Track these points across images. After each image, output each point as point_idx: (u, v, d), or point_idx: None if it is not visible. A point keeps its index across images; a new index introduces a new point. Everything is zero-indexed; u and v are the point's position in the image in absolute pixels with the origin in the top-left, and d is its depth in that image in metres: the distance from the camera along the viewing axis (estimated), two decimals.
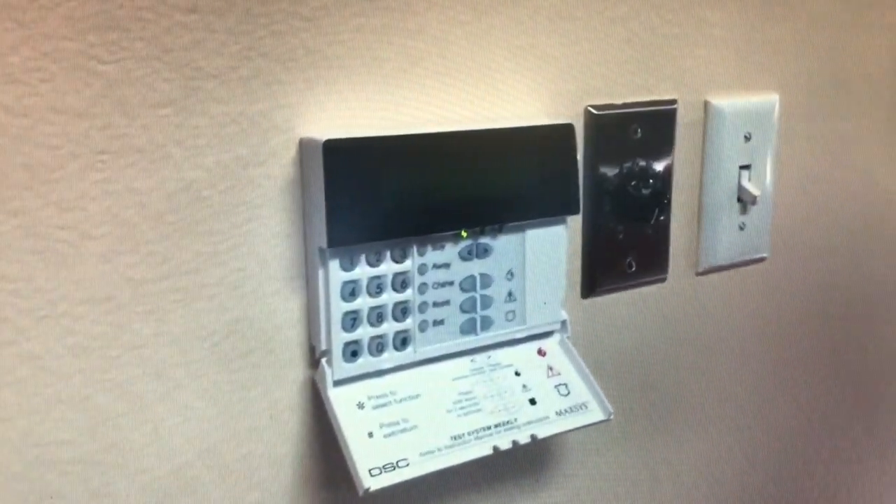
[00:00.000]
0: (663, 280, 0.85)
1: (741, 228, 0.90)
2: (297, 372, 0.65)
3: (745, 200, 0.88)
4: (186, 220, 0.59)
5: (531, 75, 0.73)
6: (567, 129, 0.71)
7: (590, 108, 0.77)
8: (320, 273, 0.62)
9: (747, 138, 0.88)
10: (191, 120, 0.58)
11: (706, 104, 0.85)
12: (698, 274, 0.89)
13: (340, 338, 0.63)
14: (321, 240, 0.61)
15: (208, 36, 0.58)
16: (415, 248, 0.66)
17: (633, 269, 0.82)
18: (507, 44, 0.71)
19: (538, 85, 0.74)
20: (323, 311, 0.63)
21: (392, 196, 0.63)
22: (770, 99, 0.90)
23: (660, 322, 0.87)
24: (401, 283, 0.66)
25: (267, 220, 0.62)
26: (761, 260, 0.94)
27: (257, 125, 0.61)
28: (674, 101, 0.82)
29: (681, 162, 0.84)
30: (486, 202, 0.67)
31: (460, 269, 0.68)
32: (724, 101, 0.85)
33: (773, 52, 0.90)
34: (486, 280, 0.70)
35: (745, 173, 0.88)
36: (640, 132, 0.79)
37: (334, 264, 0.62)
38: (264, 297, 0.63)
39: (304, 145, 0.62)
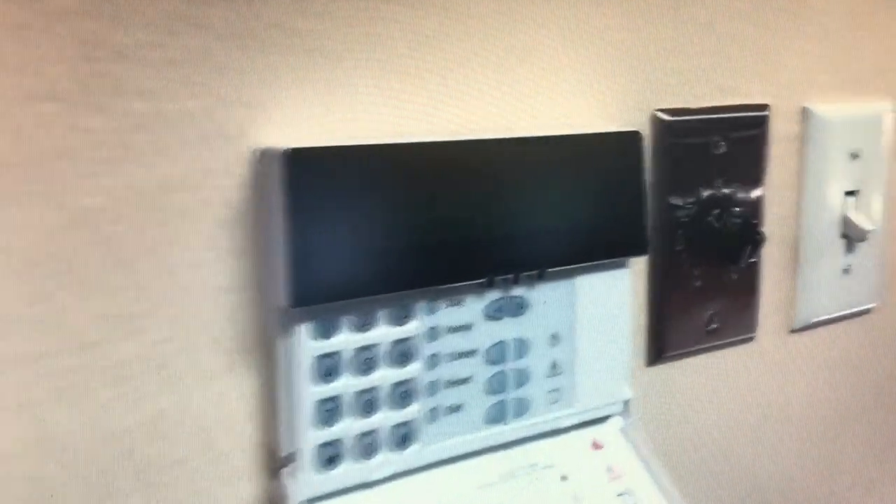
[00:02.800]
0: (750, 339, 0.65)
1: (846, 272, 0.70)
2: (248, 487, 0.45)
3: (851, 237, 0.68)
4: (81, 269, 0.40)
5: (582, 66, 0.54)
6: (632, 140, 0.52)
7: (659, 114, 0.57)
8: (281, 344, 0.43)
9: (854, 157, 0.68)
10: (90, 121, 0.39)
11: (805, 112, 0.65)
12: (793, 331, 0.69)
13: (312, 437, 0.44)
14: (282, 296, 0.42)
15: None
16: (422, 305, 0.46)
17: (714, 325, 0.62)
18: (553, 23, 0.52)
19: (590, 79, 0.54)
20: (286, 400, 0.44)
21: (388, 231, 0.43)
22: (880, 107, 0.70)
23: (744, 395, 0.67)
24: (401, 354, 0.46)
25: (205, 269, 0.43)
26: (867, 311, 0.74)
27: (192, 129, 0.42)
28: (765, 107, 0.63)
29: (773, 186, 0.64)
30: (522, 240, 0.48)
31: (486, 333, 0.49)
32: (827, 109, 0.66)
33: (883, 48, 0.70)
34: (522, 347, 0.50)
35: (850, 201, 0.68)
36: (723, 146, 0.60)
37: (303, 331, 0.43)
38: (201, 381, 0.43)
39: (261, 158, 0.43)
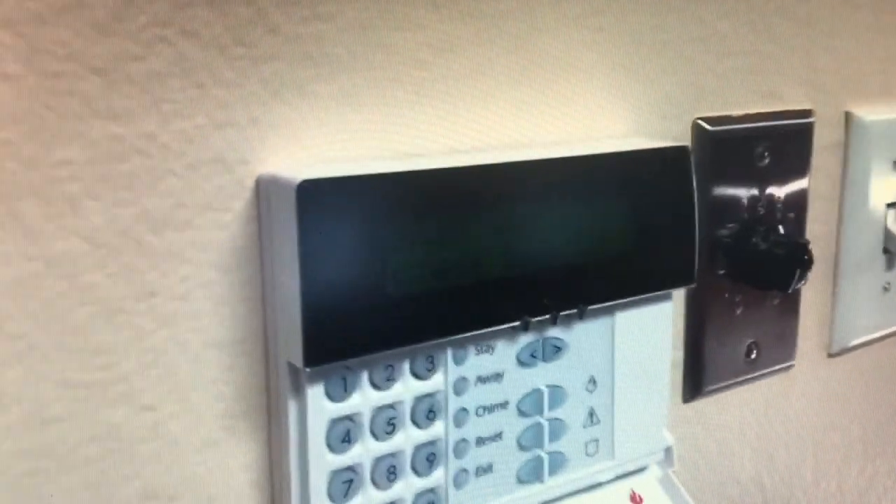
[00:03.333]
0: (789, 367, 0.60)
1: (886, 290, 0.64)
2: None
3: (893, 251, 0.63)
4: (46, 326, 0.33)
5: (613, 70, 0.48)
6: (679, 156, 0.46)
7: (701, 123, 0.51)
8: (291, 407, 0.37)
9: None
10: (58, 151, 0.32)
11: (848, 118, 0.60)
12: (831, 356, 0.63)
13: None
14: (293, 353, 0.35)
15: None
16: (449, 354, 0.40)
17: (754, 354, 0.56)
18: (581, 24, 0.46)
19: (623, 85, 0.48)
20: (296, 472, 0.37)
21: (412, 272, 0.37)
22: None
23: (784, 427, 0.61)
24: (426, 412, 0.40)
25: (200, 321, 0.36)
26: None
27: (178, 157, 0.35)
28: (809, 113, 0.57)
29: (814, 199, 0.58)
30: (560, 274, 0.42)
31: (518, 382, 0.43)
32: (871, 114, 0.60)
33: None
34: (558, 395, 0.44)
35: (892, 213, 0.63)
36: (767, 157, 0.54)
37: (315, 392, 0.36)
38: (198, 449, 0.37)
39: (264, 189, 0.36)
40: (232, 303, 0.37)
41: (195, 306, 0.36)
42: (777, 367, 0.58)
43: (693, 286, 0.47)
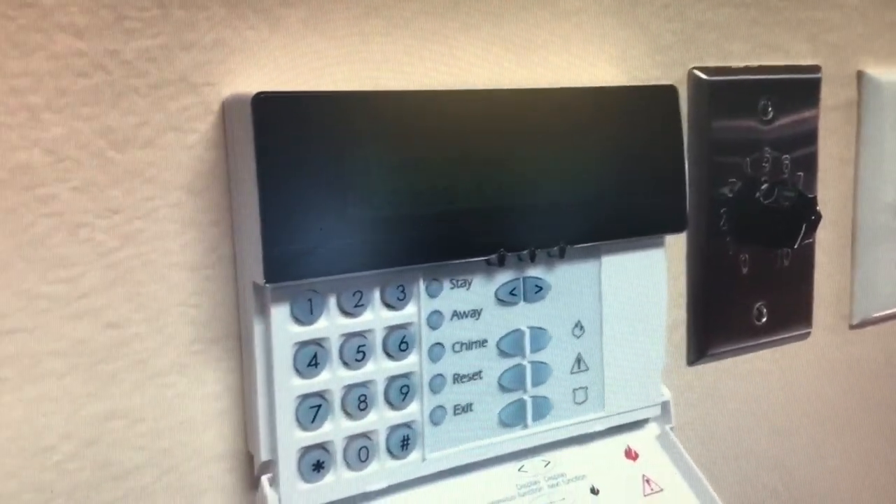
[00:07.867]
0: (806, 336, 0.58)
1: None
2: (222, 499, 0.39)
3: None
4: (5, 236, 0.33)
5: (605, 15, 0.47)
6: (666, 96, 0.45)
7: (697, 72, 0.50)
8: (257, 329, 0.36)
9: None
10: (14, 65, 0.33)
11: (860, 77, 0.58)
12: (853, 327, 0.61)
13: (294, 440, 0.37)
14: (255, 271, 0.35)
15: None
16: (421, 284, 0.39)
17: (764, 318, 0.54)
18: None
19: (615, 31, 0.48)
20: (262, 396, 0.37)
21: (380, 195, 0.37)
22: None
23: (802, 400, 0.59)
24: (399, 342, 0.39)
25: (163, 242, 0.36)
26: None
27: (142, 76, 0.35)
28: (817, 69, 0.55)
29: (824, 161, 0.57)
30: (539, 210, 0.41)
31: (498, 320, 0.42)
32: (885, 74, 0.58)
33: None
34: (541, 337, 0.43)
35: None
36: (770, 112, 0.52)
37: (280, 312, 0.36)
38: (159, 376, 0.37)
39: (228, 110, 0.37)
40: (200, 225, 0.37)
41: (161, 227, 0.36)
42: (791, 335, 0.56)
43: (684, 232, 0.46)
